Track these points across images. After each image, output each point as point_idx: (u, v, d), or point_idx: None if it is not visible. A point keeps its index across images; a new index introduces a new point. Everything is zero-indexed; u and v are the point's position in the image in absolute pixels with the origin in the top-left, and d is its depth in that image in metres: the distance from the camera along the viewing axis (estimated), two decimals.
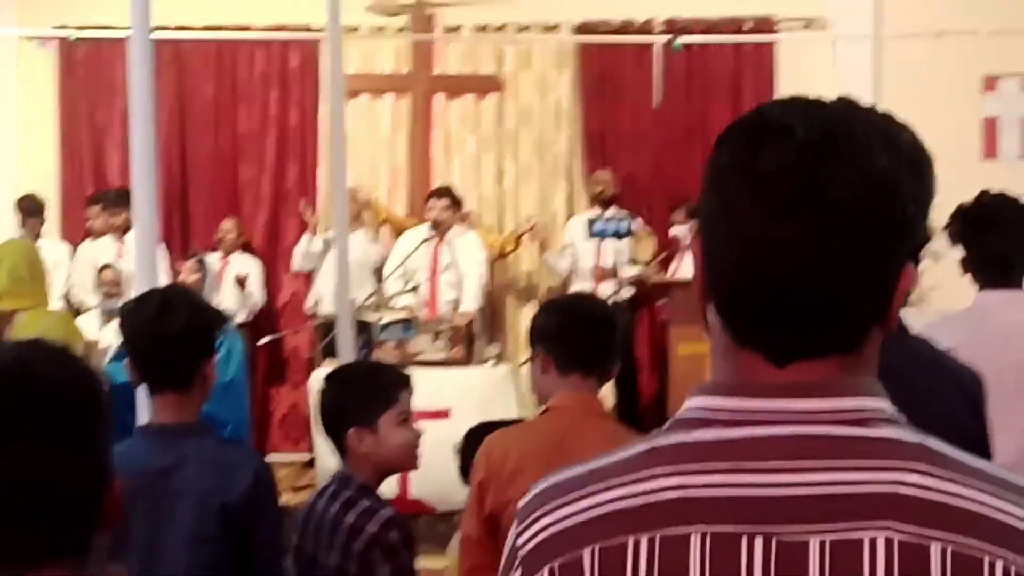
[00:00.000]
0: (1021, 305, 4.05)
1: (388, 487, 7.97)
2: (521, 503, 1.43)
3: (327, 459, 8.36)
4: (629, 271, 10.16)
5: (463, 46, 11.31)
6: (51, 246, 10.64)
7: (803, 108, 1.34)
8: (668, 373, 9.56)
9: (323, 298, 10.25)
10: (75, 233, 11.22)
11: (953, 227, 4.04)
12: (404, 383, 3.98)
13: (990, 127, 10.91)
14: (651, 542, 1.30)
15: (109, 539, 1.74)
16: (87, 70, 11.39)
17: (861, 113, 1.34)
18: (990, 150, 10.87)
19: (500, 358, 9.45)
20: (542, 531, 1.37)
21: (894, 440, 1.32)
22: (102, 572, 1.73)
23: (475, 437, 4.36)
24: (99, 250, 10.56)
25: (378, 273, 10.29)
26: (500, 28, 11.22)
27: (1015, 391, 3.84)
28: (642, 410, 10.49)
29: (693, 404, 1.37)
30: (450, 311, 9.84)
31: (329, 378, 4.13)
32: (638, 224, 10.35)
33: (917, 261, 3.11)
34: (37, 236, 10.53)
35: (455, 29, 11.28)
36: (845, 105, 1.35)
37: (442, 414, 8.56)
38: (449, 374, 8.81)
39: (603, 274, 9.92)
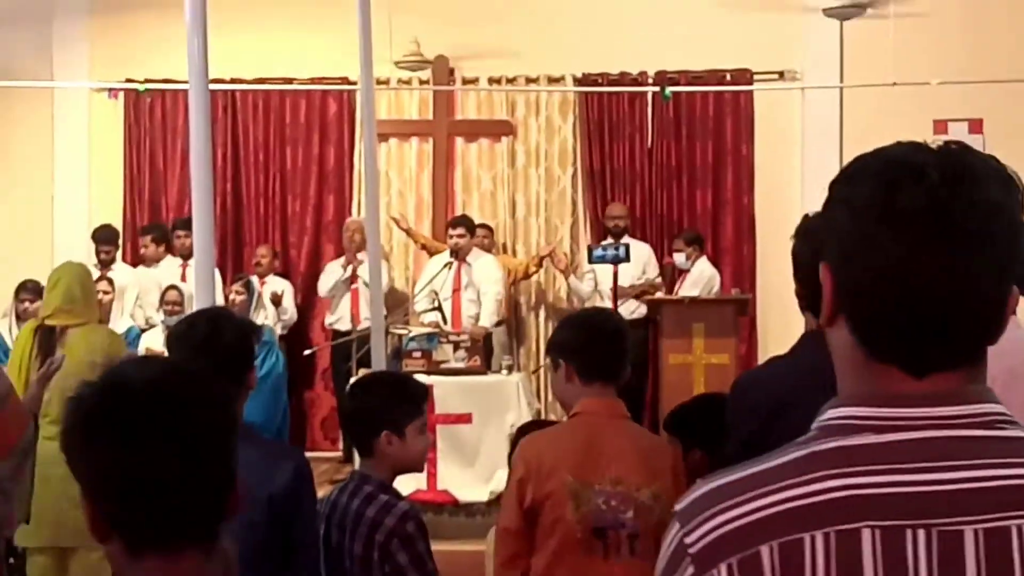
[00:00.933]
0: (1011, 327, 3.97)
1: (416, 480, 7.99)
2: (680, 506, 1.39)
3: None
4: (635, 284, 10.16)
5: (479, 95, 11.32)
6: (123, 270, 10.67)
7: (929, 151, 1.36)
8: (660, 380, 9.55)
9: (342, 317, 10.35)
10: (138, 259, 11.26)
11: None
12: (426, 395, 4.01)
13: None
14: (826, 537, 1.28)
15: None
16: (150, 117, 11.43)
17: (976, 155, 1.37)
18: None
19: (512, 368, 9.45)
20: (714, 530, 1.33)
21: (1021, 439, 1.34)
22: (223, 552, 1.76)
23: (523, 434, 4.36)
24: (163, 273, 10.58)
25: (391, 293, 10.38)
26: (512, 80, 11.23)
27: (1004, 403, 3.77)
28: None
29: (838, 414, 1.37)
30: (471, 325, 9.86)
31: (359, 385, 4.13)
32: (646, 249, 10.37)
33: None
34: (112, 261, 10.56)
35: (472, 81, 11.30)
36: (962, 148, 1.38)
37: (465, 418, 8.57)
38: (469, 382, 8.81)
39: (622, 294, 9.91)
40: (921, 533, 1.28)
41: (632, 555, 3.54)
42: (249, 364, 3.52)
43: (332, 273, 10.48)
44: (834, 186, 1.40)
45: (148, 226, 11.04)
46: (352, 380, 5.94)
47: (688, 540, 1.34)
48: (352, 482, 3.82)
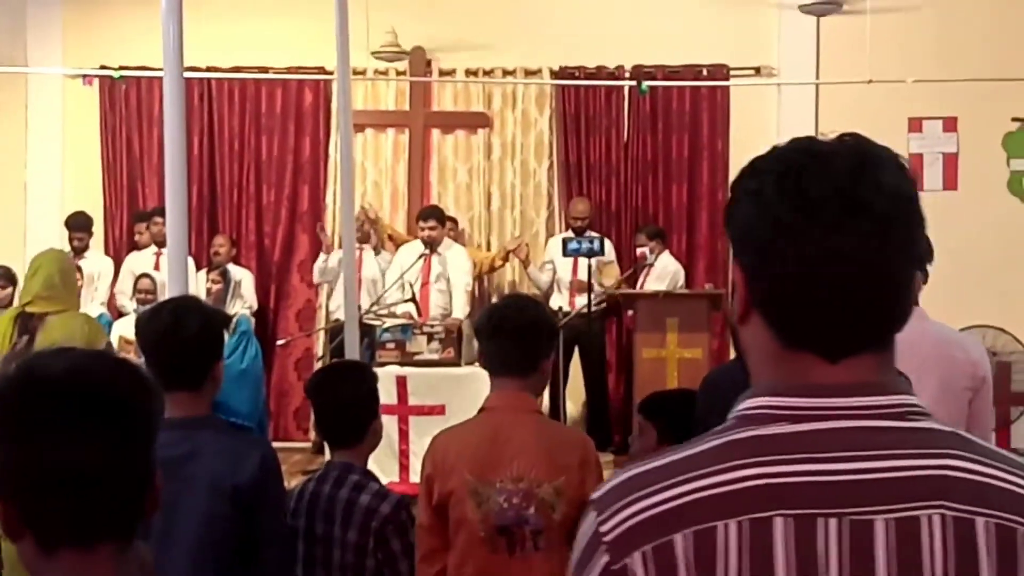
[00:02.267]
0: (917, 319, 4.00)
1: (389, 472, 7.97)
2: (597, 494, 1.39)
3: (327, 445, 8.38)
4: (596, 291, 10.14)
5: (456, 87, 11.30)
6: (96, 258, 10.62)
7: (830, 142, 1.39)
8: (633, 374, 9.56)
9: (341, 304, 10.27)
10: (114, 248, 11.21)
11: None
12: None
13: (916, 162, 10.93)
14: (739, 526, 1.30)
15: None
16: (126, 105, 11.37)
17: (873, 144, 1.40)
18: (916, 183, 10.86)
19: None
20: (630, 519, 1.34)
21: (934, 430, 1.36)
22: (138, 549, 1.71)
23: None
24: (139, 261, 10.54)
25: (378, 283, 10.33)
26: (489, 72, 11.21)
27: (916, 392, 3.82)
28: (610, 406, 10.51)
29: (755, 403, 1.39)
30: (440, 316, 9.85)
31: (341, 373, 4.08)
32: (608, 245, 10.35)
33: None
34: (85, 249, 10.52)
35: (449, 73, 11.28)
36: (858, 137, 1.40)
37: (438, 409, 8.57)
38: (442, 373, 8.81)
39: (580, 287, 9.91)
40: (832, 522, 1.30)
41: (536, 550, 3.47)
42: (215, 356, 3.45)
43: (327, 261, 10.41)
44: (739, 182, 1.42)
45: (141, 213, 10.99)
46: (317, 370, 5.90)
47: (603, 528, 1.35)
48: (333, 471, 3.78)
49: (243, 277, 10.65)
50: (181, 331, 3.35)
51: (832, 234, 1.33)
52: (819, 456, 1.32)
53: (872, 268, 1.34)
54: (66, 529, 1.62)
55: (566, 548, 3.49)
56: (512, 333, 3.59)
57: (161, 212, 9.82)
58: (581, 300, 9.99)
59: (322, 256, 10.45)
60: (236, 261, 10.93)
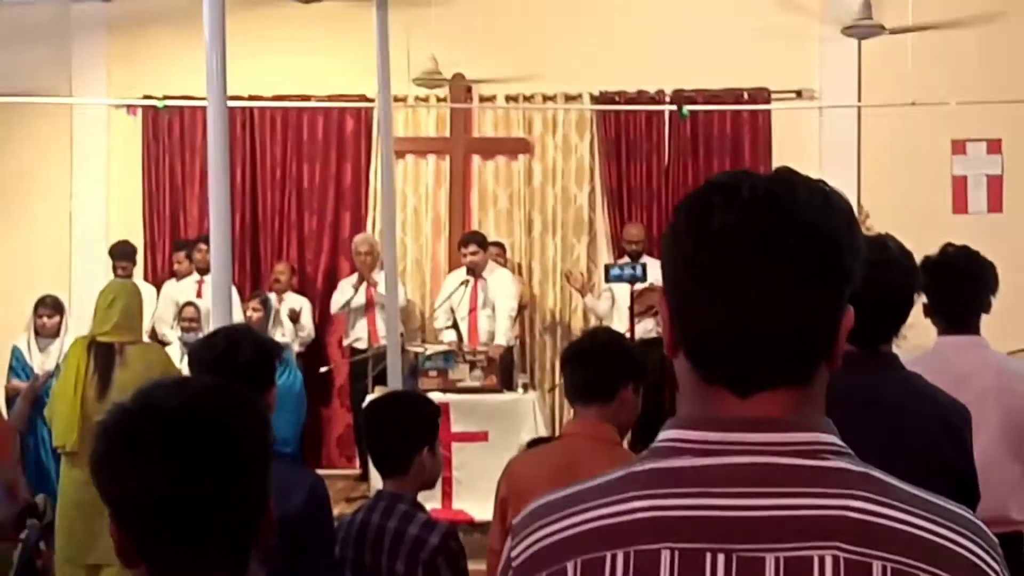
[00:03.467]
0: (976, 349, 3.96)
1: (432, 499, 7.98)
2: (515, 520, 1.43)
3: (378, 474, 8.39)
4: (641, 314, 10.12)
5: (496, 113, 11.34)
6: (140, 287, 10.71)
7: (746, 175, 1.37)
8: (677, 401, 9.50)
9: (360, 336, 10.34)
10: (155, 276, 11.30)
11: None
12: (440, 412, 4.01)
13: (959, 185, 10.87)
14: (626, 556, 1.31)
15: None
16: (169, 134, 11.48)
17: (800, 178, 1.36)
18: (960, 205, 10.81)
19: (528, 386, 9.45)
20: (532, 545, 1.38)
21: (842, 469, 1.33)
22: None
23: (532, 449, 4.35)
24: (180, 290, 10.62)
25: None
26: (529, 98, 11.25)
27: (973, 427, 3.78)
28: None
29: (666, 436, 1.39)
30: (489, 341, 9.86)
31: (389, 403, 4.09)
32: (654, 267, 10.29)
33: (911, 304, 3.10)
34: (128, 277, 10.60)
35: (490, 99, 11.32)
36: (785, 171, 1.38)
37: (481, 436, 8.57)
38: (485, 400, 8.81)
39: (640, 312, 9.88)
40: (720, 557, 1.28)
41: None
42: (268, 383, 3.49)
43: (344, 292, 10.47)
44: (672, 217, 1.42)
45: (181, 242, 11.09)
46: (370, 398, 5.93)
47: (513, 554, 1.40)
48: (382, 501, 3.77)
49: (303, 306, 10.71)
50: (235, 358, 3.40)
51: (736, 269, 1.31)
52: (714, 491, 1.30)
53: (778, 304, 1.31)
54: (179, 560, 1.64)
55: None
56: (585, 360, 3.65)
57: (204, 240, 9.91)
58: (642, 326, 9.97)
59: (348, 287, 10.46)
60: (298, 289, 11.00)
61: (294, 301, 10.67)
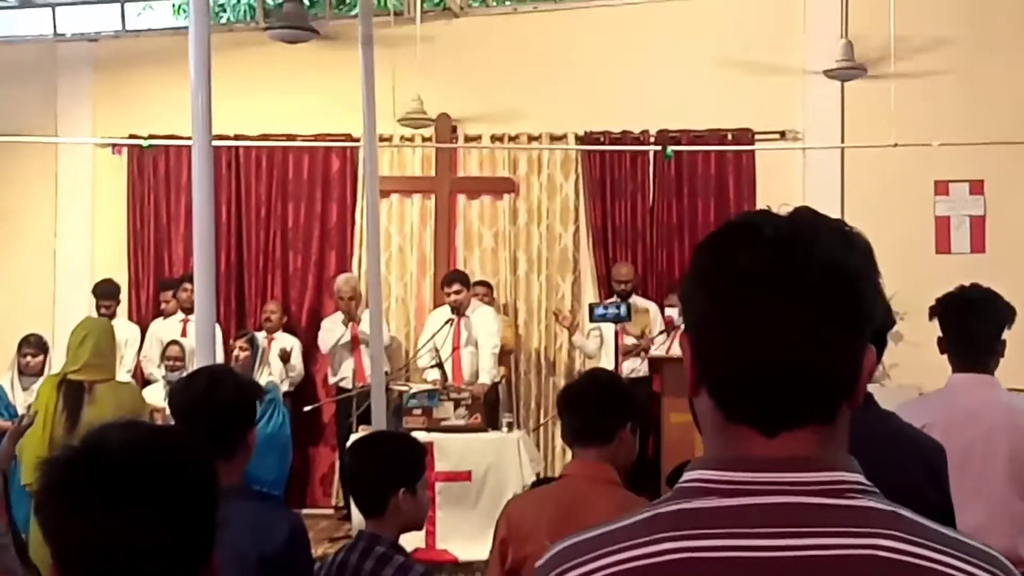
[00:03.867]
0: (986, 387, 3.97)
1: (416, 539, 7.95)
2: (539, 563, 1.42)
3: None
4: (629, 342, 10.14)
5: (482, 153, 11.37)
6: (123, 325, 10.67)
7: (768, 215, 1.37)
8: (662, 439, 9.50)
9: (346, 376, 10.33)
10: (139, 315, 11.27)
11: (936, 310, 4.00)
12: (426, 453, 3.99)
13: (942, 225, 10.91)
14: None
15: None
16: (154, 173, 11.47)
17: (821, 218, 1.37)
18: (943, 245, 10.85)
19: (513, 425, 9.43)
20: None
21: (870, 508, 1.33)
22: None
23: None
24: (165, 328, 10.59)
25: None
26: (514, 138, 11.28)
27: (981, 464, 3.78)
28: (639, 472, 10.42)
29: (692, 476, 1.38)
30: (473, 379, 9.85)
31: (369, 443, 4.08)
32: (636, 304, 10.30)
33: (883, 344, 3.12)
34: (112, 316, 10.57)
35: (475, 139, 11.35)
36: (807, 211, 1.38)
37: (464, 475, 8.55)
38: (469, 439, 8.79)
39: (627, 351, 9.88)
40: None
41: None
42: (249, 424, 3.46)
43: (332, 331, 10.45)
44: (692, 257, 1.42)
45: (167, 281, 11.07)
46: (353, 438, 5.91)
47: None
48: (361, 542, 3.73)
49: (293, 346, 10.70)
50: (215, 399, 3.37)
51: (761, 307, 1.31)
52: (743, 531, 1.30)
53: (803, 342, 1.31)
54: None
55: None
56: (584, 402, 3.66)
57: (189, 279, 9.88)
58: (629, 364, 9.97)
59: (335, 325, 10.45)
60: (288, 329, 10.97)
61: (285, 341, 10.66)
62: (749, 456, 1.35)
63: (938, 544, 1.31)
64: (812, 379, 1.33)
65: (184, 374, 9.67)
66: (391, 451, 3.87)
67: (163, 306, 10.98)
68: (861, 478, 1.36)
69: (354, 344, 10.25)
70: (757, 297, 1.32)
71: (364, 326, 10.09)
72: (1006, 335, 4.01)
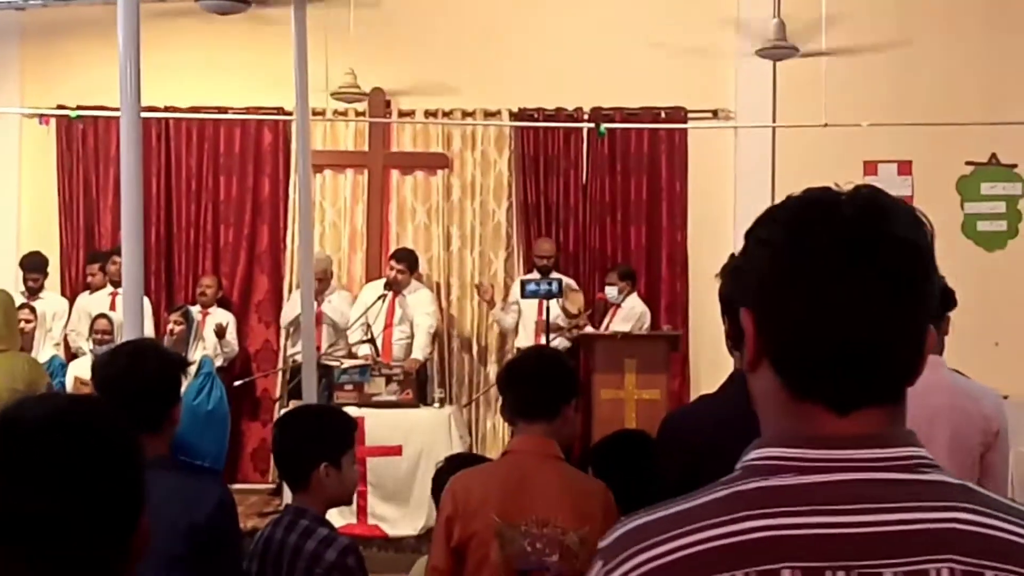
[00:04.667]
0: (931, 367, 3.98)
1: (346, 514, 7.93)
2: (603, 543, 1.39)
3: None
4: (563, 323, 10.16)
5: (415, 128, 11.32)
6: (51, 299, 10.53)
7: (842, 193, 1.38)
8: (592, 415, 9.55)
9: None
10: (71, 289, 11.12)
11: None
12: (356, 427, 3.97)
13: None
14: None
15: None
16: (83, 145, 11.31)
17: (887, 196, 1.39)
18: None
19: (444, 401, 9.44)
20: (636, 568, 1.33)
21: (943, 483, 1.36)
22: None
23: (449, 469, 4.32)
24: (95, 302, 10.45)
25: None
26: (448, 113, 11.24)
27: (926, 443, 3.80)
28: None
29: (763, 454, 1.38)
30: (402, 358, 9.83)
31: (293, 417, 4.08)
32: (567, 283, 10.34)
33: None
34: (40, 289, 10.43)
35: (409, 114, 11.30)
36: (873, 189, 1.39)
37: (395, 450, 8.54)
38: (400, 414, 8.78)
39: (545, 328, 9.91)
40: (841, 574, 1.28)
41: None
42: (172, 399, 3.43)
43: (294, 307, 10.35)
44: (753, 230, 1.42)
45: (95, 254, 10.90)
46: (282, 412, 5.90)
47: None
48: (287, 516, 3.75)
49: (228, 321, 10.60)
50: (139, 374, 3.33)
51: (840, 283, 1.32)
52: (826, 508, 1.31)
53: (880, 319, 1.33)
54: None
55: None
56: (529, 379, 3.69)
57: (119, 252, 9.76)
58: (558, 342, 10.00)
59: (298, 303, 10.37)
60: (194, 301, 10.86)
61: (220, 316, 10.56)
62: (822, 434, 1.35)
63: (1006, 515, 1.34)
64: (889, 357, 1.35)
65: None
66: (314, 425, 3.87)
67: (89, 279, 10.82)
68: (926, 452, 1.37)
69: (316, 322, 10.14)
70: (838, 274, 1.32)
71: (328, 306, 10.08)
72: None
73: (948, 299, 3.98)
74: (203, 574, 3.32)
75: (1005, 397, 10.15)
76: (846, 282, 1.32)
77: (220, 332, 10.33)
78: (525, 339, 10.21)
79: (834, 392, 1.35)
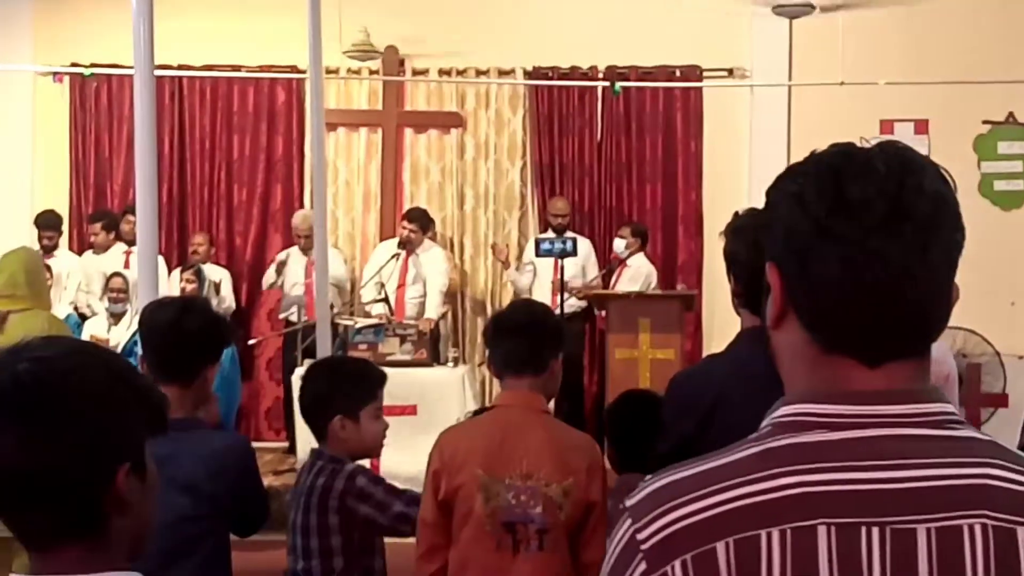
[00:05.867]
0: None
1: None
2: (632, 501, 1.37)
3: (305, 446, 8.35)
4: (576, 284, 10.16)
5: (429, 87, 11.29)
6: (65, 257, 10.55)
7: (873, 148, 1.38)
8: (606, 374, 9.57)
9: (294, 310, 10.22)
10: (80, 247, 11.13)
11: None
12: (382, 381, 4.03)
13: None
14: (782, 534, 1.28)
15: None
16: (96, 103, 11.30)
17: (914, 151, 1.39)
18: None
19: (458, 360, 9.46)
20: (668, 526, 1.31)
21: (973, 439, 1.36)
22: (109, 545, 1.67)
23: None
24: (108, 260, 10.46)
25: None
26: (462, 72, 11.21)
27: None
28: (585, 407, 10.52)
29: (792, 410, 1.37)
30: (415, 317, 9.84)
31: (316, 368, 4.13)
32: (584, 244, 10.33)
33: None
34: (54, 248, 10.45)
35: (423, 72, 11.27)
36: (900, 144, 1.39)
37: (410, 409, 8.56)
38: (415, 374, 8.80)
39: (560, 288, 9.91)
40: (875, 531, 1.29)
41: (540, 550, 3.52)
42: (210, 359, 3.49)
43: (273, 270, 10.38)
44: (779, 182, 1.41)
45: (97, 213, 10.90)
46: (308, 364, 5.96)
47: (640, 536, 1.33)
48: (308, 460, 3.87)
49: (222, 277, 10.60)
50: (183, 325, 3.40)
51: (875, 237, 1.32)
52: (859, 464, 1.31)
53: (914, 272, 1.33)
54: (21, 529, 1.62)
55: (568, 550, 3.53)
56: (518, 333, 3.68)
57: (131, 211, 9.78)
58: (572, 301, 10.03)
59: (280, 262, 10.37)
60: (214, 260, 10.88)
61: (213, 273, 10.56)
62: (852, 389, 1.35)
63: None
64: (918, 310, 1.35)
65: (127, 307, 9.64)
66: (330, 377, 3.93)
67: (92, 239, 10.75)
68: (954, 410, 1.37)
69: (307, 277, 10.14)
70: (870, 227, 1.32)
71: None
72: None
73: None
74: (226, 528, 3.43)
75: (1021, 357, 10.17)
76: (880, 235, 1.32)
77: (216, 287, 10.34)
78: (542, 299, 10.19)
79: (865, 345, 1.35)
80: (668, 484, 1.36)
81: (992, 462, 1.33)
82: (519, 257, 10.82)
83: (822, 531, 1.28)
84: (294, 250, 10.41)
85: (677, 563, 1.30)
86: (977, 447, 1.35)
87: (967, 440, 1.35)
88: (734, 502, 1.30)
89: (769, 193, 1.42)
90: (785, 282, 1.39)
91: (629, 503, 1.37)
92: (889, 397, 1.35)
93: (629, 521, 1.35)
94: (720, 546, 1.29)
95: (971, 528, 1.29)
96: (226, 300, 10.57)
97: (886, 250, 1.32)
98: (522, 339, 3.66)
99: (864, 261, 1.33)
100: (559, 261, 9.76)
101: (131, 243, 10.10)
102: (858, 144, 1.40)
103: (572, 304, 10.10)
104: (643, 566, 1.32)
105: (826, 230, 1.34)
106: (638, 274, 10.18)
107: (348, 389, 3.86)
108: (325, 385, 3.90)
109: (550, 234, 10.27)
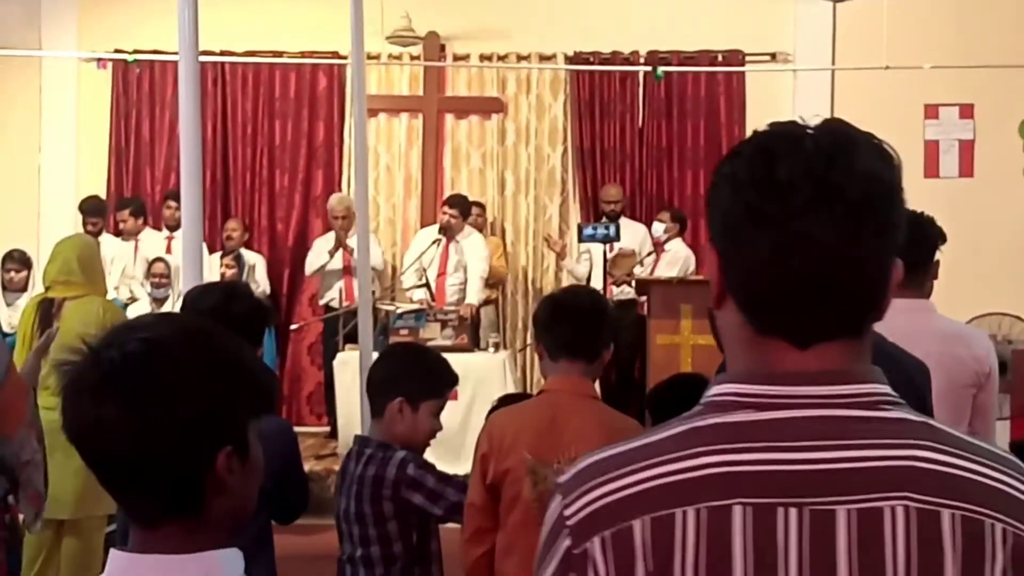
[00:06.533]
0: (922, 312, 3.92)
1: None
2: (563, 479, 1.40)
3: (347, 430, 8.40)
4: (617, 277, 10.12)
5: (470, 72, 11.30)
6: (111, 242, 10.63)
7: (802, 127, 1.37)
8: (647, 360, 9.55)
9: (335, 296, 10.23)
10: (119, 231, 11.17)
11: None
12: (453, 383, 4.00)
13: (931, 149, 10.91)
14: (697, 513, 1.29)
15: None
16: (139, 89, 11.38)
17: (855, 131, 1.38)
18: (931, 170, 10.85)
19: (499, 346, 9.47)
20: (591, 503, 1.34)
21: (904, 420, 1.35)
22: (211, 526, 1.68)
23: (501, 408, 4.36)
24: (148, 246, 10.52)
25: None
26: (503, 57, 11.21)
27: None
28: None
29: (724, 390, 1.37)
30: (456, 303, 9.86)
31: (397, 347, 4.14)
32: (628, 228, 10.25)
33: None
34: (99, 233, 10.52)
35: (463, 58, 11.28)
36: (839, 122, 1.38)
37: (452, 395, 8.58)
38: (455, 359, 8.80)
39: (603, 272, 9.87)
40: (793, 511, 1.29)
41: None
42: (257, 341, 3.57)
43: (319, 255, 10.35)
44: (720, 164, 1.41)
45: (125, 199, 10.93)
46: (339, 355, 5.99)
47: (567, 512, 1.36)
48: (355, 447, 3.86)
49: (256, 262, 10.66)
50: (227, 310, 3.45)
51: (802, 218, 1.31)
52: (782, 445, 1.30)
53: (843, 254, 1.32)
54: (130, 505, 1.64)
55: None
56: (580, 318, 3.65)
57: (172, 196, 9.85)
58: (618, 288, 10.00)
59: (322, 249, 10.33)
60: (248, 246, 10.93)
61: (248, 258, 10.60)
62: (783, 370, 1.35)
63: (967, 452, 1.33)
64: (848, 291, 1.34)
65: (169, 291, 9.72)
66: (408, 359, 3.96)
67: (121, 225, 10.73)
68: (890, 390, 1.37)
69: (345, 269, 10.16)
70: (798, 209, 1.31)
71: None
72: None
73: (933, 241, 3.92)
74: (269, 510, 3.49)
75: None
76: (808, 217, 1.30)
77: (252, 273, 10.39)
78: (597, 286, 10.16)
79: (794, 326, 1.34)
80: (596, 462, 1.38)
81: (920, 443, 1.32)
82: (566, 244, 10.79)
83: (737, 511, 1.29)
84: (330, 235, 10.40)
85: (596, 539, 1.32)
86: (907, 428, 1.34)
87: (897, 421, 1.34)
88: (653, 480, 1.32)
89: (712, 175, 1.42)
90: (722, 264, 1.39)
91: (560, 480, 1.40)
92: (818, 378, 1.34)
93: (559, 497, 1.38)
94: (637, 523, 1.31)
95: (892, 510, 1.28)
96: (261, 284, 10.62)
97: (814, 232, 1.31)
98: (583, 324, 3.65)
99: (790, 243, 1.31)
100: (607, 247, 9.74)
101: (173, 228, 10.17)
102: (801, 121, 1.39)
103: (623, 292, 10.06)
104: (568, 541, 1.34)
105: (754, 212, 1.33)
106: (676, 258, 10.15)
107: (419, 376, 3.85)
108: (399, 365, 3.90)
109: (599, 220, 10.24)
